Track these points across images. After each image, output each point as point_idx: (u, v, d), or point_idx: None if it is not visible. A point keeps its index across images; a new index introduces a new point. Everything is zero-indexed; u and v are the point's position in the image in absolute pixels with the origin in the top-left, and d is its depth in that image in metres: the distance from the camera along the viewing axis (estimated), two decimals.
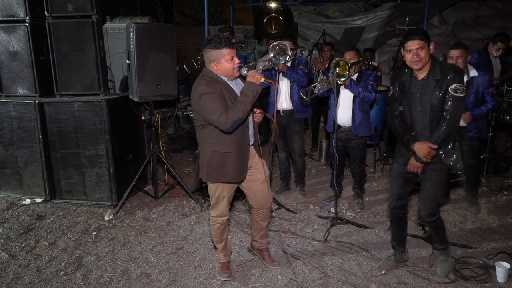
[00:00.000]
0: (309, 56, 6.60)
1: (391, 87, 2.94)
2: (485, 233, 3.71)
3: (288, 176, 4.80)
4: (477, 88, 3.75)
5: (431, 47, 2.67)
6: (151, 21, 7.39)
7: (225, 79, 2.71)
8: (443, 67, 2.67)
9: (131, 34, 3.81)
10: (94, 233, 3.74)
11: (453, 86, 2.57)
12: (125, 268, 3.18)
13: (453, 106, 2.60)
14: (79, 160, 4.23)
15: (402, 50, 2.76)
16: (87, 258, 3.33)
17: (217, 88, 2.60)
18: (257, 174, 2.96)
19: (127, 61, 3.95)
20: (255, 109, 2.83)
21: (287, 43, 3.99)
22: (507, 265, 2.97)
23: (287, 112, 4.35)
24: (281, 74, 4.11)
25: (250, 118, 2.82)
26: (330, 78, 3.60)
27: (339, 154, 4.13)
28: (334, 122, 3.77)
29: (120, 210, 4.17)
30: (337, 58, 3.68)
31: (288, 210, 4.21)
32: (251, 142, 2.88)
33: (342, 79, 3.69)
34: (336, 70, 3.62)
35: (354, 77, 3.99)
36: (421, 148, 2.72)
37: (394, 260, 3.15)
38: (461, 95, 2.59)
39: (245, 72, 2.70)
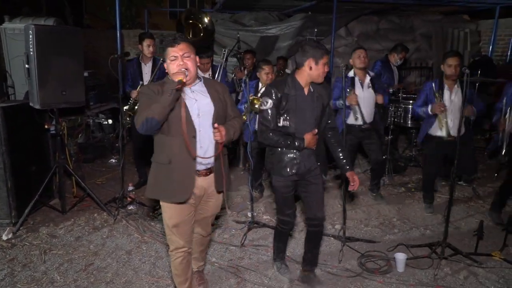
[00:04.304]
0: (225, 63, 6.66)
1: (267, 98, 2.72)
2: (387, 227, 4.06)
3: None
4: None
5: None
6: (58, 23, 6.88)
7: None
8: (316, 84, 2.80)
9: (30, 36, 3.53)
10: None
11: (331, 101, 2.94)
12: None
13: (332, 114, 2.98)
14: None
15: (311, 60, 2.65)
16: None
17: (155, 88, 2.35)
18: (206, 206, 2.62)
19: (26, 66, 3.64)
20: (215, 124, 2.39)
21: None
22: (404, 256, 3.27)
23: None
24: None
25: (201, 130, 2.40)
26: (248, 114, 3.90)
27: (260, 158, 4.31)
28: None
29: (21, 228, 3.81)
30: (253, 100, 3.97)
31: None
32: (204, 162, 2.45)
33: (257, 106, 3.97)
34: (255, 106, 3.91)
35: None
36: (311, 140, 2.73)
37: (287, 267, 3.20)
38: (331, 105, 3.00)
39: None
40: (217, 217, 4.22)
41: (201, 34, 5.68)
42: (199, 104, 2.41)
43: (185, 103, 2.36)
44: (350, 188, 2.92)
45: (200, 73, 4.72)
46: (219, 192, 2.62)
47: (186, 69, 2.31)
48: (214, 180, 2.53)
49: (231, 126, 2.49)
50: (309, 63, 2.68)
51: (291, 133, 2.75)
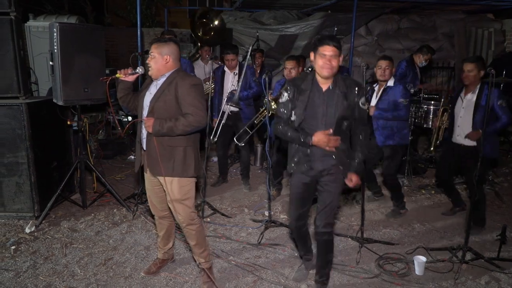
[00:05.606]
0: (244, 62, 6.67)
1: (284, 92, 2.71)
2: (406, 229, 4.00)
3: (226, 170, 5.21)
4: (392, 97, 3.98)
5: (340, 58, 2.59)
6: (80, 21, 7.01)
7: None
8: (346, 80, 2.68)
9: (55, 34, 3.60)
10: (13, 247, 3.46)
11: (362, 100, 2.65)
12: (48, 283, 2.98)
13: (363, 117, 2.72)
14: None
15: (312, 53, 2.60)
16: (4, 275, 3.07)
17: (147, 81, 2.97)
18: (166, 188, 2.80)
19: (51, 63, 3.72)
20: (144, 117, 2.76)
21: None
22: (424, 259, 3.22)
23: (234, 112, 4.76)
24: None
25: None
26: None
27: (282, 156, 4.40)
28: None
29: (43, 222, 3.90)
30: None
31: (222, 215, 4.21)
32: (144, 147, 2.84)
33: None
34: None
35: None
36: (322, 139, 2.58)
37: (305, 268, 3.16)
38: (366, 107, 2.74)
39: (139, 70, 2.93)
40: (234, 215, 4.24)
41: (211, 33, 5.78)
42: (150, 96, 2.76)
43: (146, 93, 2.81)
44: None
45: (227, 70, 4.79)
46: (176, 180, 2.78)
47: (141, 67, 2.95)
48: (146, 162, 2.87)
49: (171, 121, 2.62)
50: (312, 55, 2.61)
51: (300, 128, 2.65)
